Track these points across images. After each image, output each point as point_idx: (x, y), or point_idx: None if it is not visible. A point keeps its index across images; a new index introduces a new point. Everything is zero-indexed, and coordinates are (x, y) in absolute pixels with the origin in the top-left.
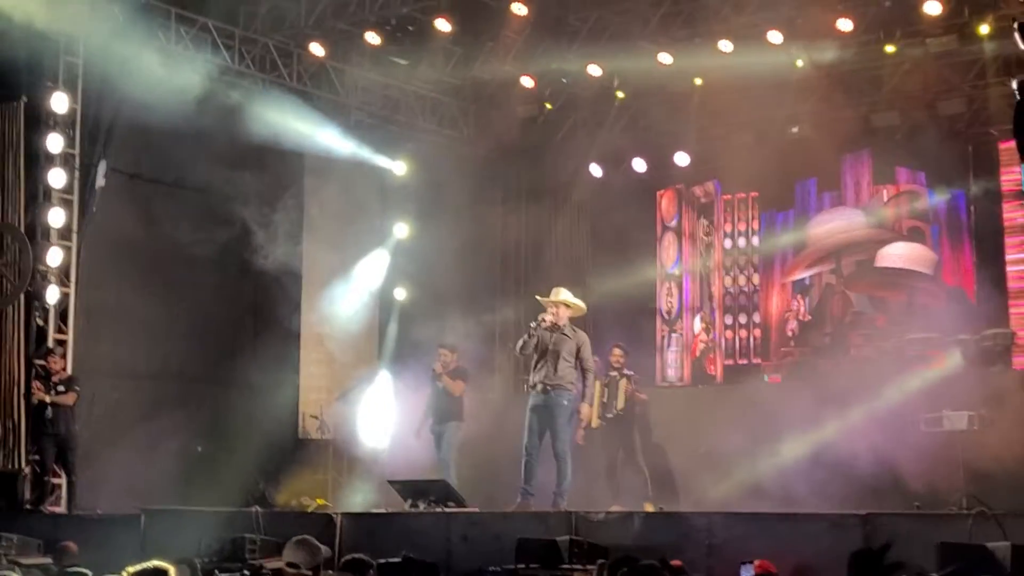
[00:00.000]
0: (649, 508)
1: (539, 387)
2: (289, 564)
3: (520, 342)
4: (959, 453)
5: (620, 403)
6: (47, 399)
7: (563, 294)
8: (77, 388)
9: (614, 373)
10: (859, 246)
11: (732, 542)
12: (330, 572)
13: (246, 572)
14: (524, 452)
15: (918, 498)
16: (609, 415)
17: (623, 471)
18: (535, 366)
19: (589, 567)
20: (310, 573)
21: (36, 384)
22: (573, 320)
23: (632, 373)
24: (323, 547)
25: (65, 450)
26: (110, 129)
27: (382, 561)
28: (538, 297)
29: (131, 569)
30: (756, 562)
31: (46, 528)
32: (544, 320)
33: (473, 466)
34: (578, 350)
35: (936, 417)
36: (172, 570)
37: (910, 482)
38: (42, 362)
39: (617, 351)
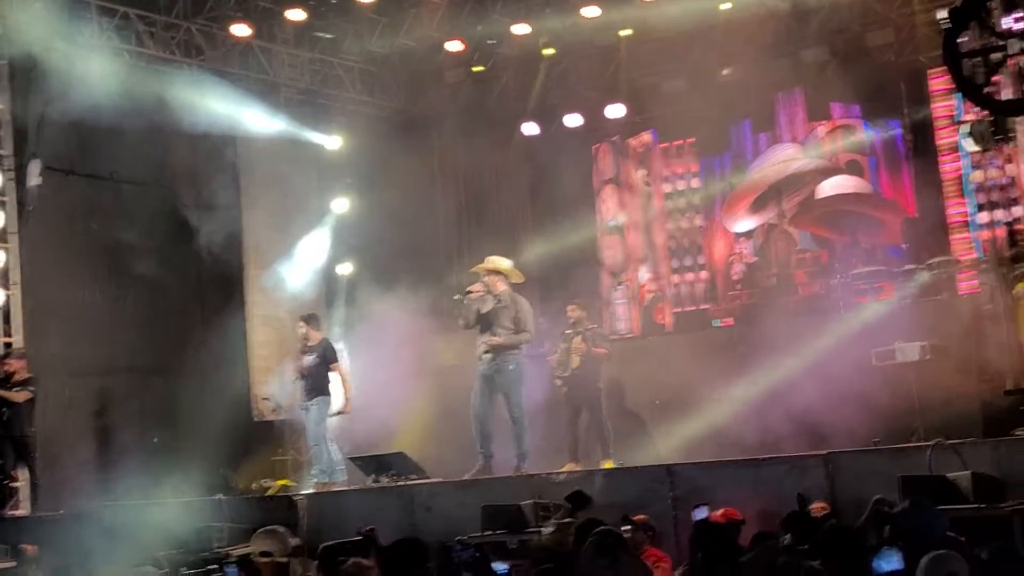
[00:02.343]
0: (609, 464)
1: (485, 356)
2: (262, 553)
3: (461, 321)
4: (913, 384)
5: (575, 362)
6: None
7: (499, 262)
8: (32, 388)
9: (569, 331)
10: (798, 179)
11: (695, 492)
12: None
13: (213, 566)
14: (474, 419)
15: (876, 433)
16: (565, 374)
17: (588, 430)
18: (480, 334)
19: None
20: (284, 560)
21: None
22: (517, 287)
23: (592, 327)
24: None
25: (23, 452)
26: (40, 127)
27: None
28: (473, 269)
29: None
30: (721, 510)
31: (9, 532)
32: (472, 291)
33: (431, 437)
34: (516, 316)
35: (888, 350)
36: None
37: (867, 418)
38: None
39: (570, 308)
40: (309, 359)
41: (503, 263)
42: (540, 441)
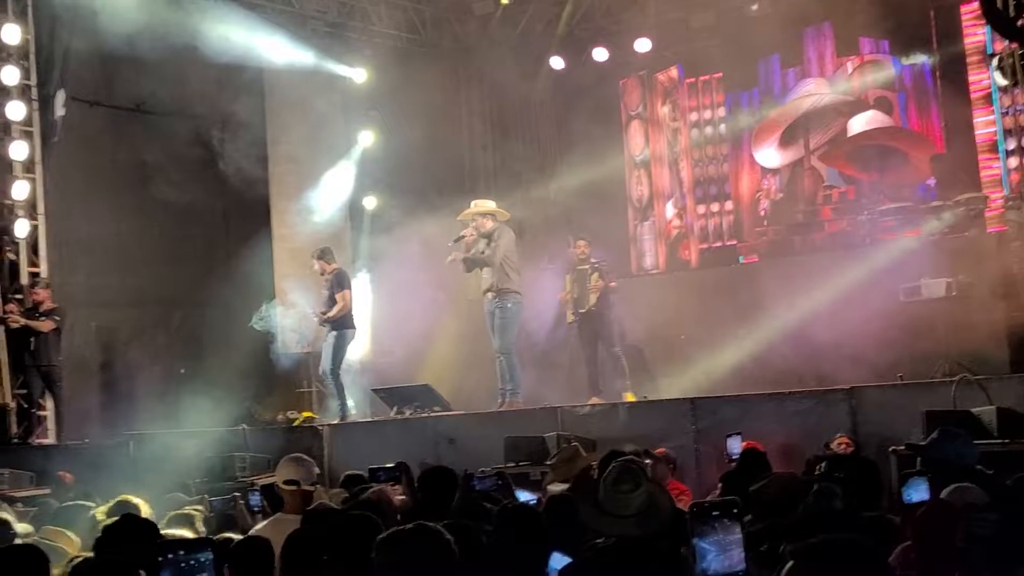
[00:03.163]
0: (630, 397)
1: (489, 295)
2: (286, 482)
3: (462, 267)
4: (939, 320)
5: (592, 300)
6: (21, 321)
7: (484, 204)
8: (58, 318)
9: (584, 267)
10: (824, 114)
11: (718, 425)
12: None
13: (236, 493)
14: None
15: (901, 368)
16: (581, 310)
17: (603, 363)
18: (483, 274)
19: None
20: (310, 488)
21: (11, 307)
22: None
23: (602, 262)
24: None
25: (50, 382)
26: (66, 57)
27: (372, 468)
28: (460, 217)
29: (102, 509)
30: (744, 443)
31: (36, 460)
32: (464, 235)
33: (456, 370)
34: (505, 251)
35: (914, 286)
36: (141, 503)
37: (892, 353)
38: (21, 296)
39: (581, 243)
40: (325, 292)
41: (488, 204)
42: (561, 374)
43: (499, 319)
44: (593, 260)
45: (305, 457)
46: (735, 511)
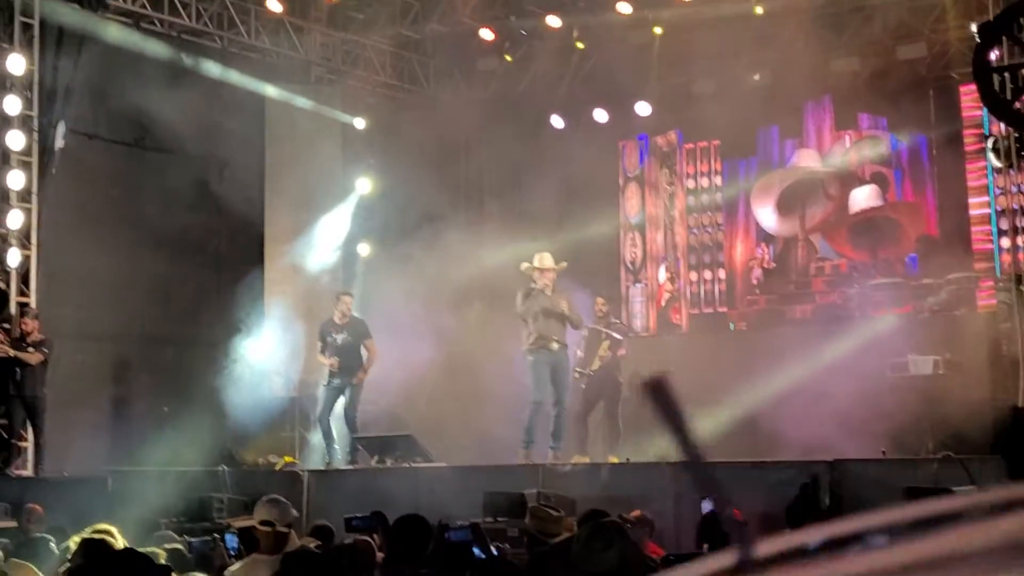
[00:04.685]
0: (614, 459)
1: (554, 345)
2: (262, 522)
3: (522, 306)
4: (925, 398)
5: (595, 364)
6: (10, 352)
7: (548, 259)
8: (45, 351)
9: (596, 326)
10: (817, 189)
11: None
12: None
13: (215, 535)
14: (534, 406)
15: (884, 443)
16: (585, 371)
17: (600, 423)
18: (536, 323)
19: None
20: (285, 530)
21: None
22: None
23: (616, 322)
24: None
25: (33, 413)
26: (68, 90)
27: (347, 516)
28: (525, 265)
29: (75, 538)
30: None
31: (13, 491)
32: (545, 285)
33: (441, 422)
34: (568, 308)
35: (902, 362)
36: (116, 531)
37: (876, 428)
38: (8, 325)
39: (600, 301)
40: (340, 337)
41: (551, 261)
42: (546, 432)
43: (565, 372)
44: (613, 320)
45: (282, 499)
46: None
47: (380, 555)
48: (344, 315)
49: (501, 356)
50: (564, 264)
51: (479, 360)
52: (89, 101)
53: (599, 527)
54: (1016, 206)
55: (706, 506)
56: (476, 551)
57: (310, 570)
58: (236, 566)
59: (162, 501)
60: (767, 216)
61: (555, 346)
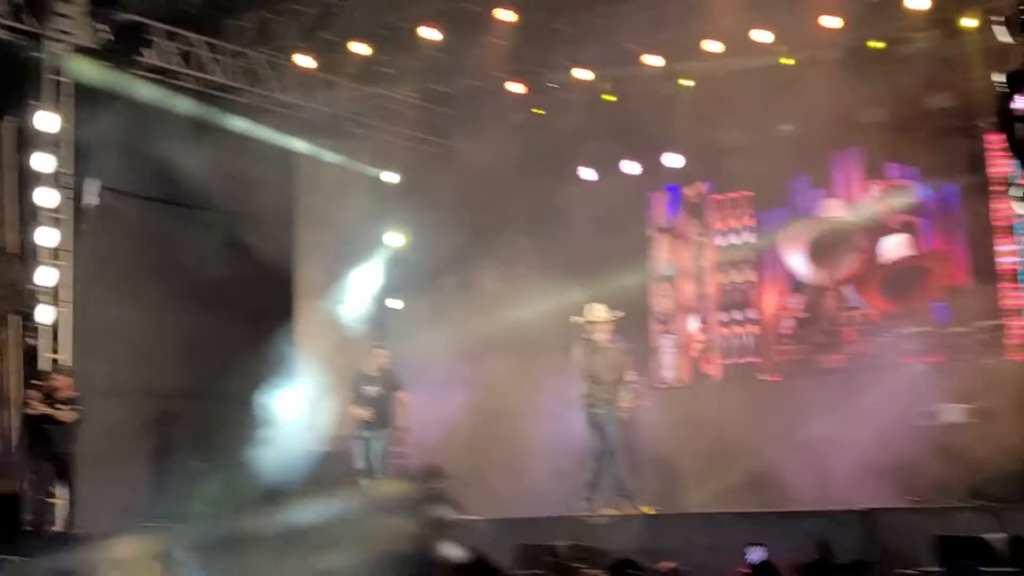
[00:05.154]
0: (647, 510)
1: (616, 398)
2: None
3: (584, 362)
4: (956, 446)
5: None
6: (44, 409)
7: (600, 311)
8: (79, 407)
9: None
10: (847, 241)
11: (730, 541)
12: None
13: None
14: (611, 458)
15: (916, 492)
16: None
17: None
18: (600, 380)
19: (591, 571)
20: None
21: (31, 393)
22: None
23: (635, 377)
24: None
25: (65, 469)
26: (100, 147)
27: None
28: (574, 318)
29: None
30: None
31: (47, 549)
32: (601, 338)
33: (475, 476)
34: (623, 361)
35: (932, 411)
36: None
37: (908, 476)
38: (40, 382)
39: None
40: (373, 390)
41: (606, 312)
42: (576, 485)
43: (619, 425)
44: (633, 373)
45: None
46: None
47: None
48: (379, 368)
49: (534, 406)
50: (621, 314)
51: (512, 411)
52: (120, 157)
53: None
54: None
55: (753, 554)
56: None
57: None
58: None
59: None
60: (799, 263)
61: (615, 399)
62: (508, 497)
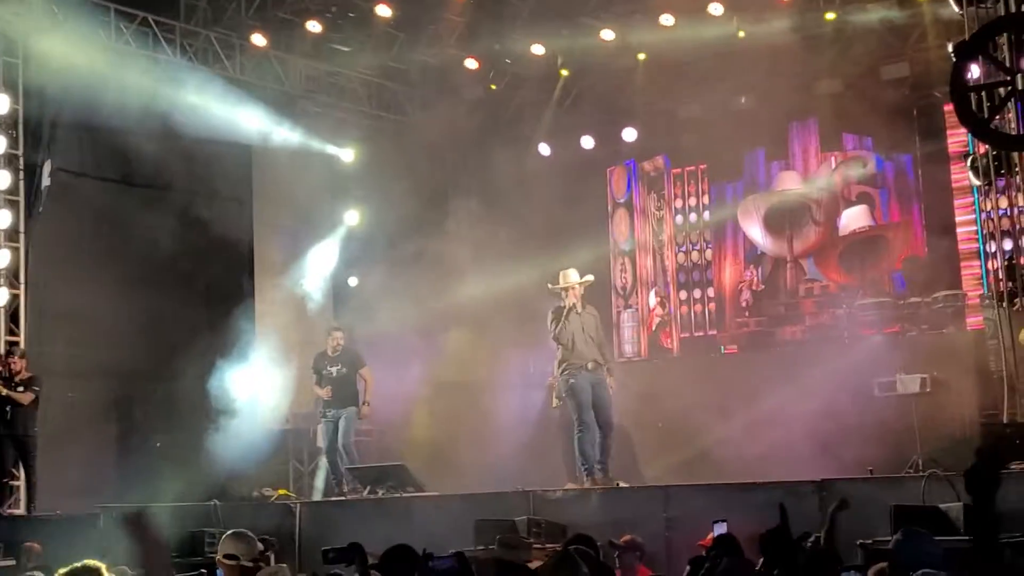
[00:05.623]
0: (608, 484)
1: (591, 365)
2: (227, 556)
3: (557, 328)
4: (913, 416)
5: None
6: (2, 392)
7: (572, 276)
8: (36, 388)
9: None
10: (803, 213)
11: (690, 514)
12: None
13: (203, 570)
14: (584, 428)
15: (872, 462)
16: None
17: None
18: (572, 346)
19: (548, 545)
20: (250, 565)
21: None
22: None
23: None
24: (271, 539)
25: (24, 451)
26: (53, 128)
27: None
28: (550, 286)
29: (62, 570)
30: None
31: (5, 530)
32: (575, 305)
33: (432, 452)
34: (597, 326)
35: (890, 381)
36: (103, 568)
37: (865, 446)
38: None
39: None
40: (335, 369)
41: (578, 276)
42: (537, 459)
43: (603, 391)
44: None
45: (248, 533)
46: None
47: None
48: (336, 348)
49: (493, 383)
50: (591, 278)
51: (470, 387)
52: (75, 139)
53: (565, 557)
54: (999, 224)
55: (718, 528)
56: None
57: None
58: None
59: None
60: (756, 234)
61: (591, 365)
62: (470, 473)
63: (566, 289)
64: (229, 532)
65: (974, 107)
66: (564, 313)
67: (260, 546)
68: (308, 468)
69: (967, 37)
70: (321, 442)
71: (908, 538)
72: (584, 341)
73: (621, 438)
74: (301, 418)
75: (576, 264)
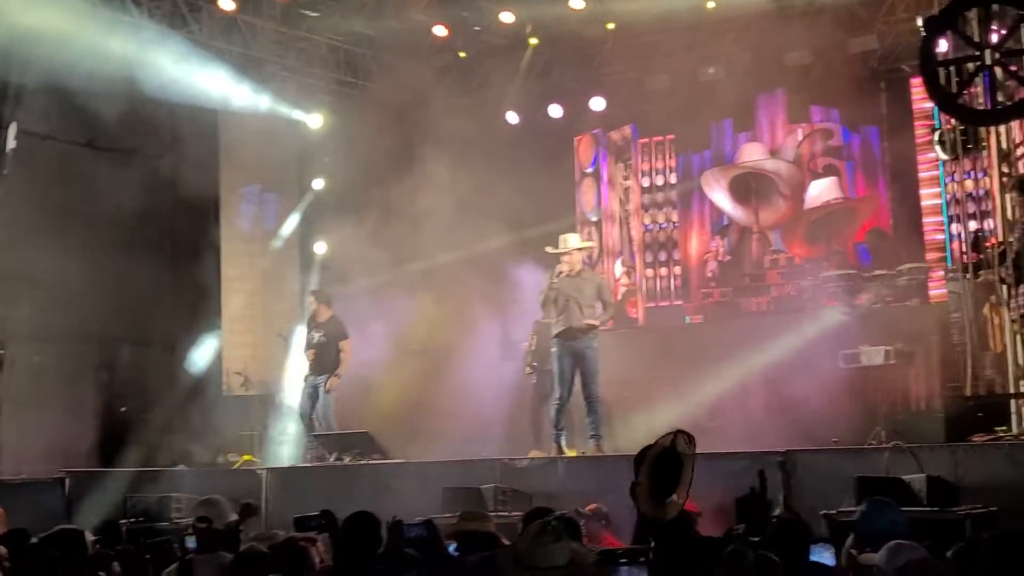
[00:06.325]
0: (571, 453)
1: (577, 333)
2: (199, 519)
3: (542, 297)
4: (876, 388)
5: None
6: None
7: (572, 241)
8: (1, 352)
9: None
10: (770, 187)
11: None
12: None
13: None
14: (558, 399)
15: (836, 434)
16: (537, 364)
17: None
18: (559, 314)
19: (514, 514)
20: (222, 528)
21: None
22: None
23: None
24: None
25: None
26: (18, 91)
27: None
28: (549, 249)
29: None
30: None
31: None
32: (561, 272)
33: (397, 419)
34: (599, 290)
35: (853, 353)
36: (87, 533)
37: (829, 418)
38: None
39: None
40: (317, 335)
41: (579, 241)
42: (505, 426)
43: (592, 360)
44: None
45: (220, 499)
46: (641, 559)
47: (322, 553)
48: (323, 315)
49: (461, 349)
50: (592, 244)
51: (438, 353)
52: (41, 101)
53: (546, 525)
54: (964, 197)
55: None
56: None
57: (258, 570)
58: (172, 567)
59: (120, 502)
60: (722, 200)
61: (579, 335)
62: (437, 439)
63: (563, 253)
64: (200, 499)
65: (943, 81)
66: (555, 278)
67: (234, 515)
68: (272, 434)
69: (936, 11)
70: (301, 406)
71: (874, 508)
72: (573, 307)
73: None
74: (266, 384)
75: (545, 233)
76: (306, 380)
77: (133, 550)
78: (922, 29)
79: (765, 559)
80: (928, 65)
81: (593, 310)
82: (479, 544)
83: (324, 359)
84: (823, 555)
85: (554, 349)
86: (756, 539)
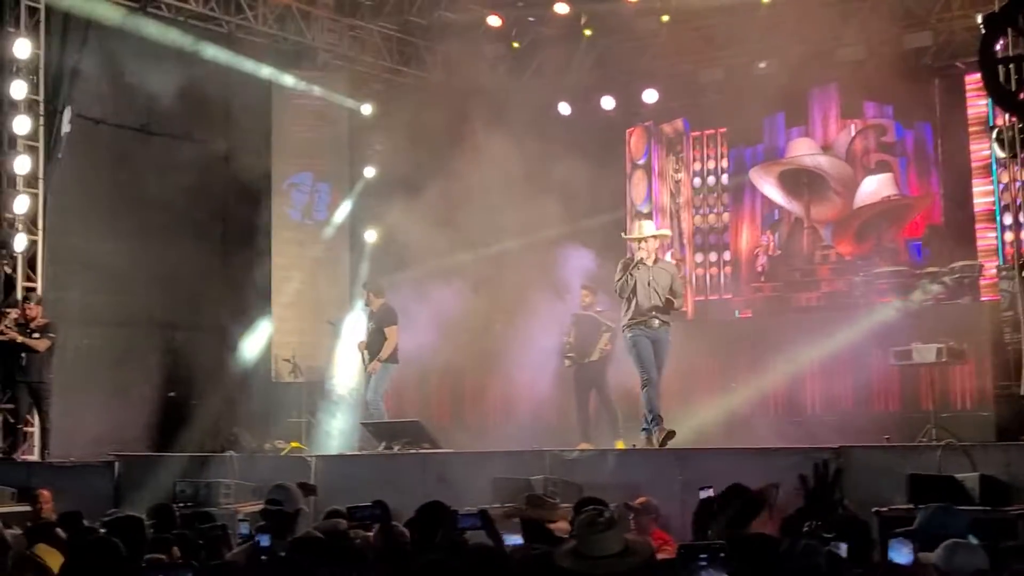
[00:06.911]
0: (620, 445)
1: (655, 322)
2: (269, 501)
3: (620, 282)
4: (929, 385)
5: (595, 355)
6: (18, 339)
7: (647, 227)
8: (52, 335)
9: (587, 314)
10: (823, 183)
11: (705, 477)
12: None
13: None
14: (649, 383)
15: (889, 430)
16: (578, 358)
17: (597, 410)
18: (633, 301)
19: (563, 505)
20: (292, 512)
21: (5, 326)
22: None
23: (601, 310)
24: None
25: (38, 398)
26: (75, 74)
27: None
28: (624, 235)
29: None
30: None
31: (20, 476)
32: (641, 259)
33: (447, 409)
34: (672, 280)
35: (905, 350)
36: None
37: (881, 415)
38: (15, 310)
39: (584, 291)
40: (370, 326)
41: (654, 228)
42: (553, 419)
43: (665, 348)
44: (598, 308)
45: (292, 486)
46: (721, 555)
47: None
48: (369, 303)
49: (512, 343)
50: (667, 232)
51: (489, 346)
52: (96, 86)
53: (598, 515)
54: (1020, 196)
55: (703, 493)
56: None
57: (317, 555)
58: (237, 550)
59: (169, 487)
60: (773, 192)
61: (656, 323)
62: (485, 430)
63: (639, 240)
64: (273, 485)
65: (1002, 79)
66: (630, 266)
67: (301, 503)
68: (323, 421)
69: (997, 8)
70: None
71: (935, 516)
72: (647, 296)
73: (635, 401)
74: (315, 371)
75: (595, 225)
76: (364, 368)
77: (189, 535)
78: (982, 26)
79: (835, 556)
80: (988, 62)
81: (665, 301)
82: (541, 536)
83: (374, 347)
84: (904, 551)
85: (629, 335)
86: (829, 535)
